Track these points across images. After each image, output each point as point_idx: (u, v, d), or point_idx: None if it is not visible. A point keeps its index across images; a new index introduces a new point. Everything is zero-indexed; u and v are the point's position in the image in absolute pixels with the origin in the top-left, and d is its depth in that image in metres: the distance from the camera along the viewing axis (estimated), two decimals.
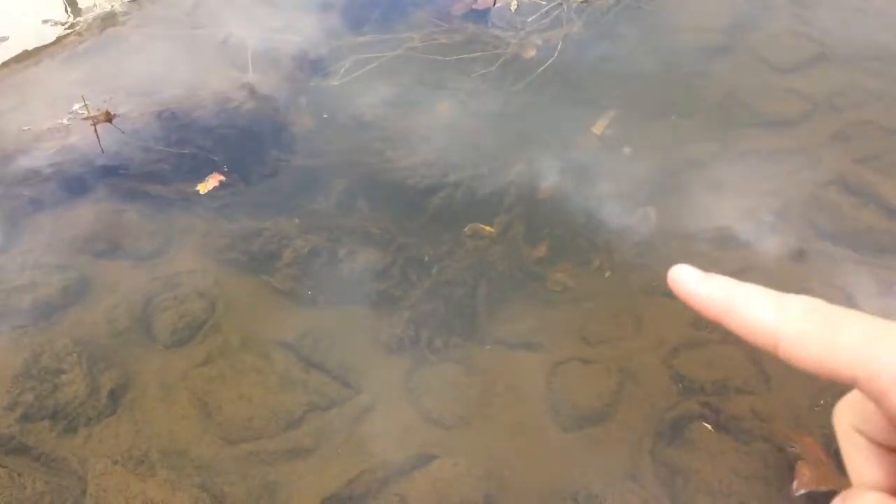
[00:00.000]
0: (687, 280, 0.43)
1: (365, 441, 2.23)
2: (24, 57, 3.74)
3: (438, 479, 2.10)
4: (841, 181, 2.99)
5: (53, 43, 3.85)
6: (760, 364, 2.35)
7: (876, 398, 0.35)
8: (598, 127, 3.31)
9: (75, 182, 3.01)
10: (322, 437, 2.24)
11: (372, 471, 2.14)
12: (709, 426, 2.23)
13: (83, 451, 2.17)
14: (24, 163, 3.06)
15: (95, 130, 3.19)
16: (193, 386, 2.35)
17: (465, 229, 2.84)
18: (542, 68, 3.62)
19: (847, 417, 0.41)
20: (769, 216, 2.86)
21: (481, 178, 3.06)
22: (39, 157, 3.08)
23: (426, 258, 2.74)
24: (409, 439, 2.23)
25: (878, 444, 0.39)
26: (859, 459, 0.40)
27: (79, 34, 3.91)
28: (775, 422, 2.20)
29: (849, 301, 2.49)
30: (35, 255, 2.74)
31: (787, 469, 2.10)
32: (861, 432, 0.40)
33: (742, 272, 2.65)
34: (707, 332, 2.47)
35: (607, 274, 2.70)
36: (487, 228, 2.84)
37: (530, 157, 3.15)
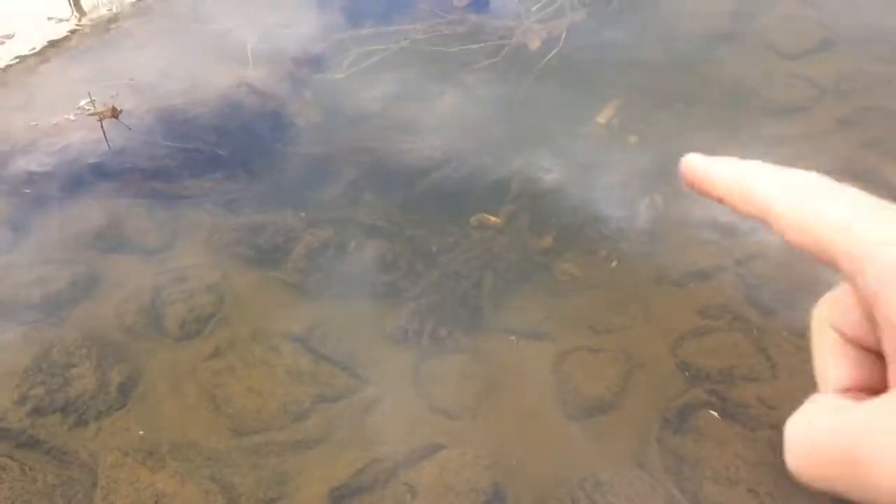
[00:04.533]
0: (697, 162, 0.44)
1: (373, 431, 2.24)
2: (31, 54, 3.76)
3: (446, 469, 2.11)
4: (849, 167, 2.97)
5: (59, 40, 3.86)
6: (767, 351, 2.34)
7: (850, 278, 0.34)
8: (604, 116, 3.30)
9: (83, 177, 3.03)
10: (330, 428, 2.25)
11: (380, 461, 2.15)
12: (716, 414, 2.23)
13: (94, 445, 2.19)
14: (32, 159, 3.08)
15: (102, 126, 3.20)
16: (202, 379, 2.36)
17: (472, 220, 2.84)
18: (546, 58, 3.61)
19: (825, 313, 0.41)
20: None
21: (487, 169, 3.06)
22: (47, 153, 3.10)
23: (434, 248, 2.74)
24: (416, 429, 2.24)
25: (850, 341, 0.39)
26: (827, 355, 0.40)
27: (83, 31, 3.92)
28: (782, 409, 2.19)
29: None
30: (44, 250, 2.76)
31: None
32: (836, 328, 0.39)
33: (750, 259, 2.65)
34: (713, 320, 2.47)
35: (614, 263, 2.70)
36: (493, 219, 2.84)
37: (536, 147, 3.14)
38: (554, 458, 2.16)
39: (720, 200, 0.41)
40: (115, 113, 3.24)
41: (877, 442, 0.31)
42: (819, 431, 0.34)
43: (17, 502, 2.00)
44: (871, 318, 0.35)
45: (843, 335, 0.39)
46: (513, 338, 2.47)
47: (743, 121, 3.25)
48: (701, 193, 0.43)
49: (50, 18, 4.02)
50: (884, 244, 0.33)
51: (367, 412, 2.29)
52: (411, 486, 2.08)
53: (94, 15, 4.05)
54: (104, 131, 3.18)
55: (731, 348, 2.37)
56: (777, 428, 2.15)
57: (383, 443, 2.21)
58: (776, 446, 2.12)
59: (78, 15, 4.07)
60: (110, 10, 4.07)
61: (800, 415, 0.36)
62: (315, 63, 3.64)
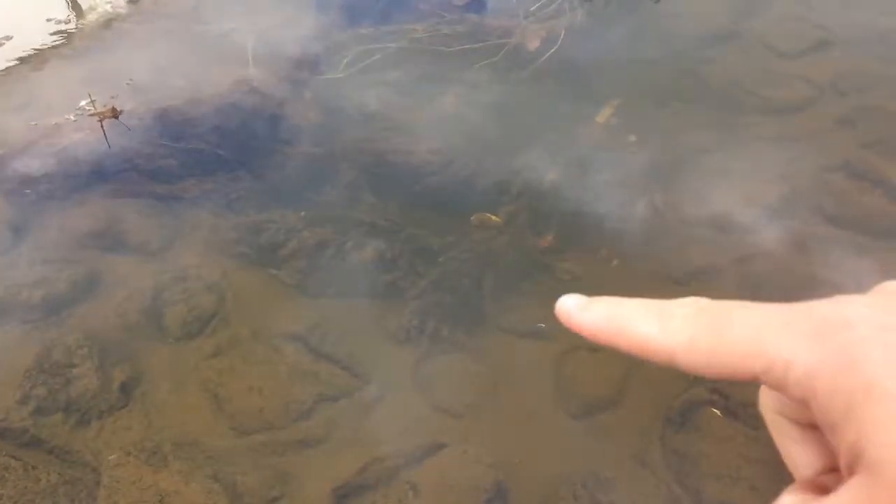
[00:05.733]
0: (571, 309, 0.40)
1: (375, 430, 2.24)
2: (30, 55, 3.76)
3: (448, 467, 2.11)
4: (847, 166, 2.98)
5: (58, 41, 3.86)
6: None
7: (777, 388, 0.33)
8: (603, 116, 3.31)
9: (83, 178, 3.03)
10: (332, 427, 2.25)
11: (382, 459, 2.15)
12: (717, 412, 2.23)
13: (96, 444, 2.19)
14: (33, 159, 3.08)
15: (102, 126, 3.20)
16: (204, 378, 2.36)
17: (472, 219, 2.84)
18: (545, 58, 3.61)
19: (769, 403, 0.40)
20: (776, 202, 2.86)
21: (487, 168, 3.06)
22: (47, 154, 3.09)
23: (435, 248, 2.75)
24: (418, 428, 2.24)
25: (801, 424, 0.38)
26: (787, 443, 0.39)
27: (82, 32, 3.92)
28: None
29: (857, 286, 2.49)
30: (44, 251, 2.76)
31: None
32: (783, 415, 0.39)
33: (749, 258, 2.65)
34: None
35: (614, 262, 2.70)
36: (494, 218, 2.85)
37: (535, 146, 3.15)
38: (556, 456, 2.16)
39: (605, 345, 0.39)
40: (115, 113, 3.24)
41: None
42: None
43: (21, 501, 2.00)
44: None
45: (793, 421, 0.38)
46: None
47: (741, 120, 3.26)
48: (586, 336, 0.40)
49: (49, 20, 4.02)
50: (799, 351, 0.32)
51: (368, 411, 2.29)
52: (413, 484, 2.08)
53: (93, 16, 4.05)
54: (104, 132, 3.18)
55: None
56: None
57: (385, 441, 2.21)
58: None
59: (77, 16, 4.07)
60: (109, 10, 4.07)
61: None
62: (314, 63, 3.64)
